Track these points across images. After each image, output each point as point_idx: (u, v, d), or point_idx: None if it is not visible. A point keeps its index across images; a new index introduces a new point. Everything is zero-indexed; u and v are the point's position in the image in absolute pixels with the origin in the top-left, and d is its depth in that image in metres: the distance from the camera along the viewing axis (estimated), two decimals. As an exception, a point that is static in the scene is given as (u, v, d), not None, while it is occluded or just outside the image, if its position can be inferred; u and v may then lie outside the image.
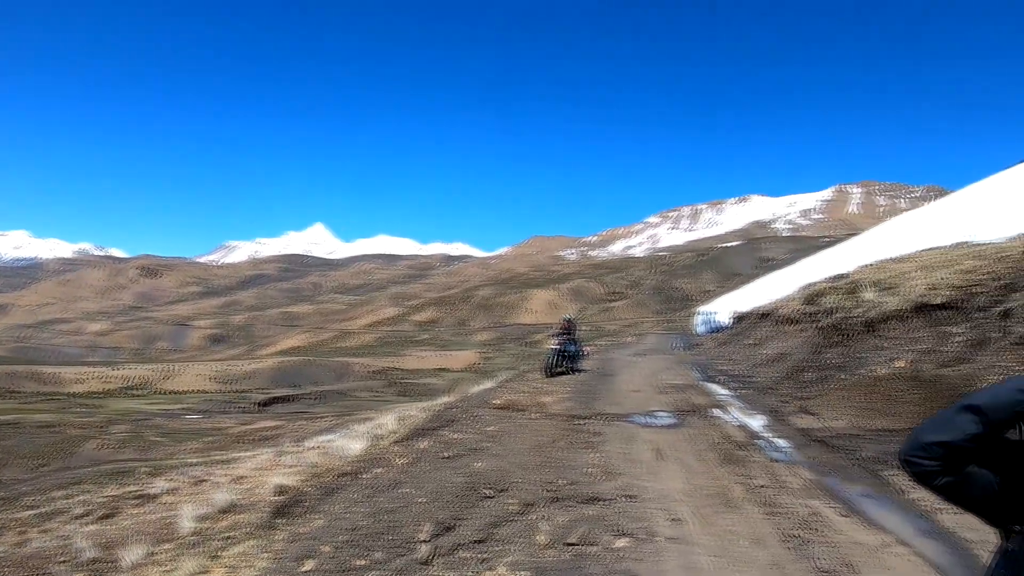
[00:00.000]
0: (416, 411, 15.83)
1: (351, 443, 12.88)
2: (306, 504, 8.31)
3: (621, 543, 6.32)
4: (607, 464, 9.01)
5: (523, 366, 29.84)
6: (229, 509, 9.67)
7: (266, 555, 6.73)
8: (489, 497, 7.69)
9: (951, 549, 5.93)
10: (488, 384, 19.60)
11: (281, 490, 9.36)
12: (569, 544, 6.32)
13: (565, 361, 19.98)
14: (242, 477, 14.24)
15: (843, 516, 6.84)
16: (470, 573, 5.89)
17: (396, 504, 7.55)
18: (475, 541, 6.54)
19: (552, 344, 20.16)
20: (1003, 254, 13.50)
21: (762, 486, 7.93)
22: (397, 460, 9.74)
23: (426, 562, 6.11)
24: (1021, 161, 33.08)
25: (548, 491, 7.86)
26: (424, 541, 6.49)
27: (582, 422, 11.77)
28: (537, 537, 6.52)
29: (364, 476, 9.16)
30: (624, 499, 7.56)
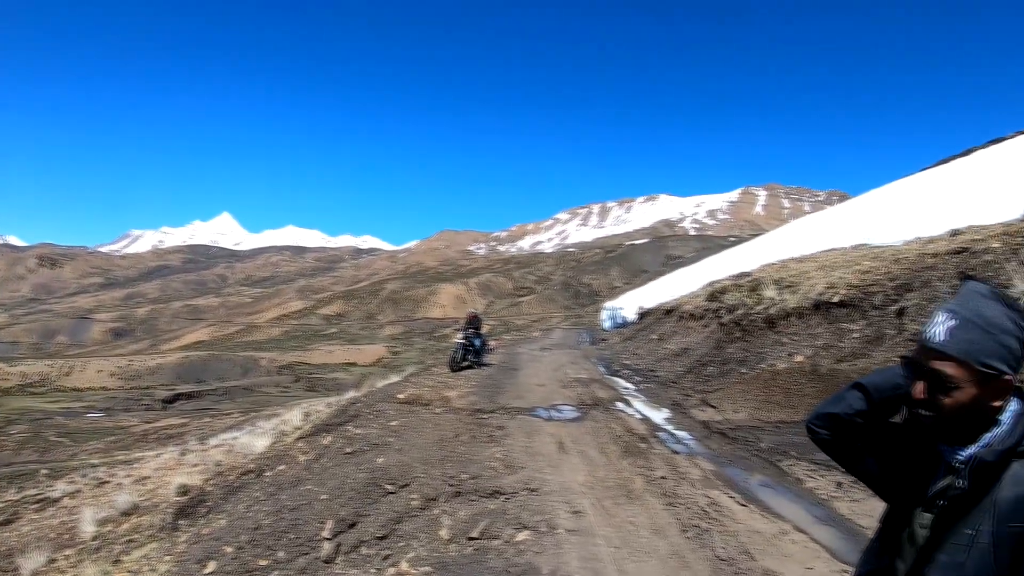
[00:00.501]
0: (323, 406, 15.55)
1: (256, 440, 12.68)
2: (209, 504, 8.18)
3: (522, 536, 6.29)
4: (509, 458, 8.97)
5: (430, 360, 29.64)
6: (132, 511, 9.52)
7: (168, 558, 6.62)
8: (391, 493, 7.60)
9: (846, 535, 6.10)
10: (394, 378, 19.39)
11: (184, 490, 9.26)
12: (471, 538, 6.27)
13: (470, 355, 19.91)
14: (145, 478, 13.88)
15: (742, 505, 6.96)
16: (373, 570, 5.82)
17: (299, 502, 7.42)
18: (378, 538, 6.47)
19: (458, 338, 20.06)
20: (899, 256, 14.13)
21: (663, 477, 8.01)
22: (300, 457, 9.55)
23: (329, 560, 6.05)
24: (920, 170, 34.99)
25: (450, 485, 7.80)
26: (327, 539, 6.42)
27: (486, 416, 11.71)
28: (439, 532, 6.47)
29: (268, 474, 9.00)
30: (526, 492, 7.54)
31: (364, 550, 6.26)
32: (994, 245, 10.63)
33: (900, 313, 11.17)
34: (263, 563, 6.07)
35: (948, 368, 1.59)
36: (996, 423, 1.59)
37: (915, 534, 1.66)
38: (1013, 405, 1.60)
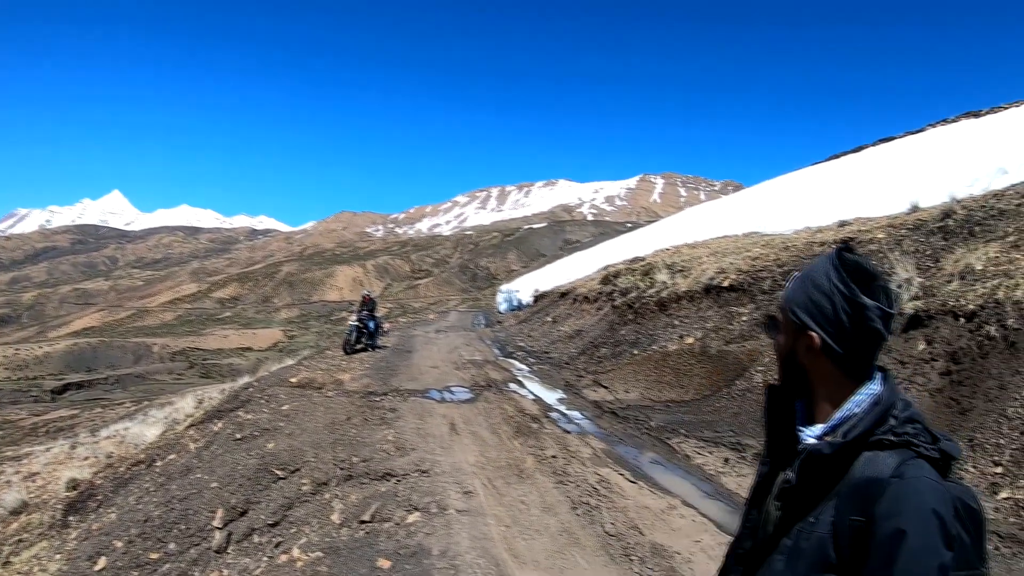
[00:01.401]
0: (216, 393, 15.07)
1: (147, 430, 12.33)
2: (99, 498, 7.93)
3: (413, 518, 6.28)
4: (401, 440, 8.91)
5: (326, 344, 29.11)
6: (21, 509, 9.14)
7: (59, 556, 6.41)
8: (282, 478, 7.48)
9: (734, 508, 6.31)
10: (288, 362, 18.97)
11: (74, 485, 8.96)
12: (362, 522, 6.24)
13: (365, 338, 19.65)
14: (35, 474, 13.11)
15: (631, 482, 7.12)
16: (264, 558, 5.74)
17: (189, 491, 7.22)
18: (269, 525, 6.39)
19: (352, 321, 19.74)
20: (789, 244, 14.73)
21: (554, 456, 8.12)
22: (191, 445, 9.26)
23: (220, 550, 5.96)
24: (812, 164, 36.52)
25: (342, 469, 7.71)
26: (218, 528, 6.31)
27: (378, 399, 11.58)
28: (331, 516, 6.42)
29: (158, 464, 8.73)
30: (417, 474, 7.52)
31: (256, 538, 6.19)
32: (879, 236, 11.19)
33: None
34: (154, 556, 5.96)
35: (777, 312, 1.67)
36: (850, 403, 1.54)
37: (769, 515, 1.63)
38: (871, 387, 1.53)
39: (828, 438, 1.50)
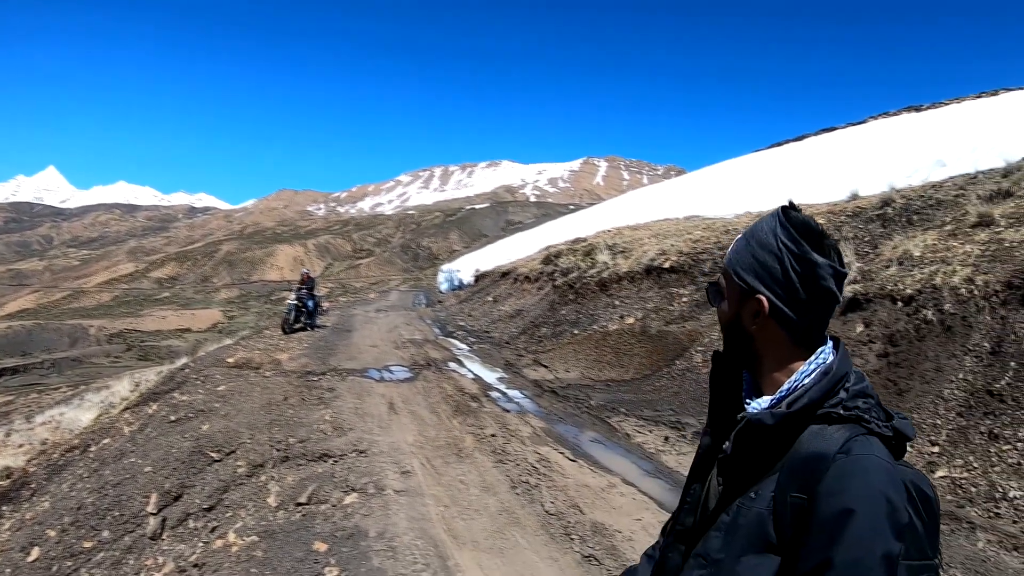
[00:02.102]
0: (153, 375, 14.63)
1: (82, 414, 11.92)
2: (33, 486, 7.76)
3: (350, 499, 6.16)
4: (339, 420, 8.77)
5: (266, 324, 28.61)
6: None
7: None
8: (217, 461, 7.30)
9: (674, 486, 6.32)
10: (227, 342, 18.55)
11: (8, 473, 8.71)
12: (299, 504, 6.09)
13: (304, 317, 19.36)
14: None
15: (571, 461, 7.08)
16: (200, 544, 5.58)
17: (122, 476, 7.01)
18: (204, 509, 6.24)
19: (290, 299, 19.41)
20: (730, 227, 14.91)
21: (493, 435, 8.05)
22: (125, 428, 8.96)
23: (155, 536, 5.82)
24: (755, 150, 37.03)
25: (278, 450, 7.54)
26: (152, 514, 6.14)
27: (316, 378, 11.39)
28: (267, 499, 6.25)
29: (92, 449, 8.47)
30: (355, 454, 7.40)
31: (191, 523, 6.04)
32: (819, 222, 11.37)
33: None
34: (88, 545, 5.81)
35: (720, 277, 1.55)
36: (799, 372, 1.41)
37: (711, 490, 1.51)
38: (822, 356, 1.41)
39: (772, 409, 1.37)
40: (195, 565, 5.25)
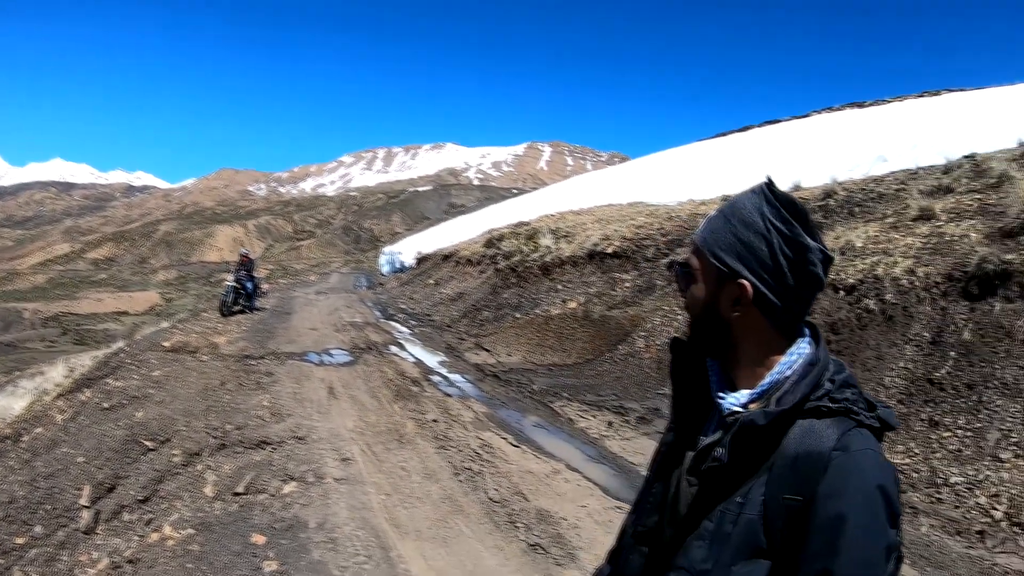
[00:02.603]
0: (88, 360, 14.11)
1: (15, 402, 11.36)
2: None
3: (289, 488, 5.97)
4: (277, 405, 8.54)
5: (204, 306, 28.04)
6: None
7: None
8: (152, 450, 7.04)
9: (618, 472, 6.29)
10: (164, 325, 18.02)
11: None
12: (236, 494, 5.88)
13: (242, 299, 18.88)
14: None
15: (515, 447, 6.99)
16: (135, 537, 5.36)
17: (55, 467, 6.74)
18: (139, 501, 6.01)
19: (229, 281, 18.90)
20: (673, 214, 14.99)
21: (435, 421, 7.92)
22: (58, 416, 8.64)
23: (89, 531, 5.59)
24: (699, 140, 37.46)
25: (215, 438, 7.30)
26: (85, 507, 5.90)
27: (255, 362, 11.12)
28: (203, 489, 6.04)
29: (24, 439, 8.11)
30: (293, 441, 7.20)
31: (125, 516, 5.82)
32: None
33: (670, 266, 11.78)
34: (20, 541, 5.55)
35: (691, 258, 1.38)
36: (782, 366, 1.29)
37: (681, 493, 1.36)
38: (802, 346, 1.29)
39: (755, 405, 1.26)
40: (129, 561, 5.01)
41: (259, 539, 5.04)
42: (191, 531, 5.27)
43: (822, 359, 1.25)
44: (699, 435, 1.36)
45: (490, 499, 5.68)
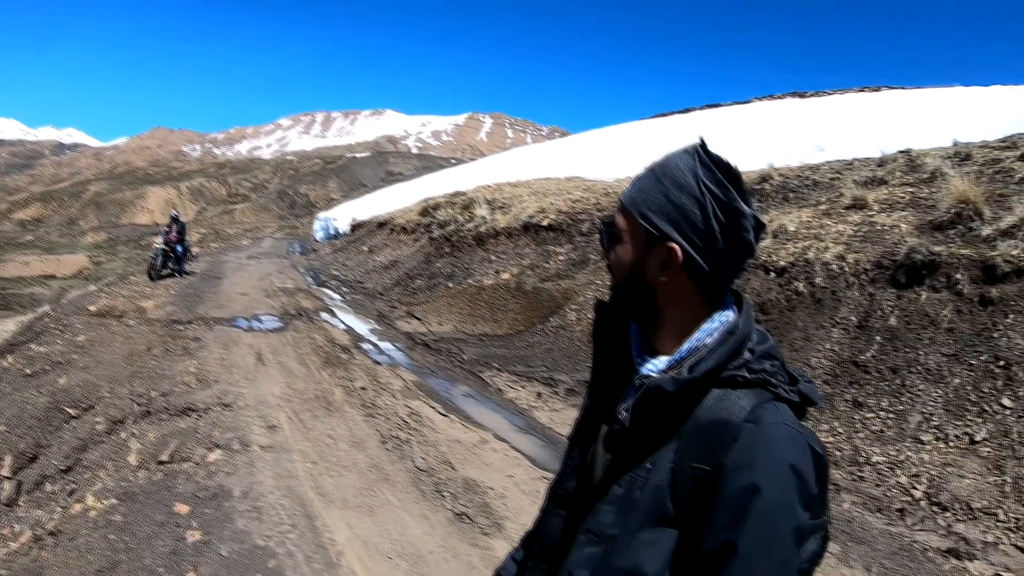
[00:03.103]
0: (12, 325, 13.55)
1: None
2: None
3: (214, 456, 5.83)
4: (204, 371, 8.34)
5: (132, 270, 27.13)
6: None
7: None
8: (75, 417, 6.83)
9: (546, 442, 6.31)
10: (91, 289, 17.41)
11: None
12: (161, 462, 5.73)
13: (171, 262, 18.37)
14: None
15: (443, 416, 6.97)
16: (58, 509, 5.19)
17: None
18: (62, 471, 5.83)
19: (158, 244, 18.34)
20: (610, 190, 15.08)
21: (363, 388, 7.84)
22: None
23: (10, 503, 5.41)
24: (641, 119, 37.70)
25: (139, 405, 7.08)
26: (7, 477, 5.70)
27: (182, 327, 10.84)
28: (128, 458, 5.86)
29: None
30: (219, 408, 7.04)
31: (48, 486, 5.64)
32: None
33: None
34: None
35: (618, 217, 1.30)
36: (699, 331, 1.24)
37: (597, 457, 1.32)
38: (726, 314, 1.24)
39: (672, 372, 1.21)
40: (52, 533, 4.81)
41: (183, 508, 4.92)
42: (114, 501, 5.11)
43: (742, 328, 1.20)
44: (618, 401, 1.32)
45: (417, 468, 5.65)
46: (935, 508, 4.88)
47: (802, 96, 29.33)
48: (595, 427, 1.36)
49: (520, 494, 5.16)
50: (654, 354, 1.28)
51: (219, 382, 7.95)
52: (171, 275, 18.23)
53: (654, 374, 1.23)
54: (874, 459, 5.48)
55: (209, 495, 5.12)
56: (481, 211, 17.49)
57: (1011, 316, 6.02)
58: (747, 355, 1.18)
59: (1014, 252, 6.44)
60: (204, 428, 6.50)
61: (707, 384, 1.16)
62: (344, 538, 4.55)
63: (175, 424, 6.64)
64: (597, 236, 1.28)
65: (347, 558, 4.31)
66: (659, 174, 1.24)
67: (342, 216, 35.77)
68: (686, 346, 1.22)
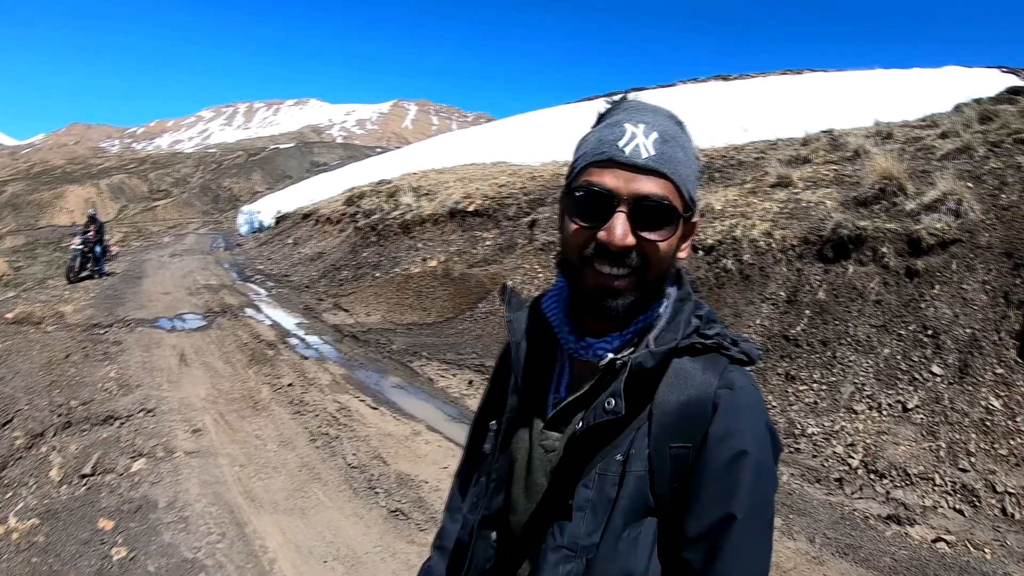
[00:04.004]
0: None
1: None
2: None
3: (138, 466, 5.53)
4: (126, 376, 7.95)
5: (52, 273, 25.97)
6: None
7: None
8: None
9: (480, 431, 6.19)
10: (10, 295, 16.55)
11: None
12: (84, 476, 5.38)
13: (91, 263, 17.61)
14: None
15: (373, 408, 6.82)
16: None
17: None
18: None
19: (75, 244, 17.56)
20: (536, 174, 15.06)
21: (290, 385, 7.61)
22: None
23: None
24: (566, 103, 37.74)
25: (59, 416, 6.64)
26: None
27: (103, 331, 10.36)
28: (49, 473, 5.47)
29: None
30: (142, 414, 6.70)
31: None
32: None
33: (532, 225, 11.86)
34: None
35: (660, 188, 1.06)
36: (650, 307, 1.13)
37: (535, 460, 1.16)
38: (669, 284, 1.15)
39: (628, 350, 1.11)
40: (-28, 562, 4.52)
41: (107, 524, 4.64)
42: (36, 520, 4.76)
43: (691, 294, 1.16)
44: (545, 395, 1.20)
45: (349, 465, 5.50)
46: (873, 476, 4.99)
47: (726, 79, 29.82)
48: (524, 427, 1.20)
49: (456, 486, 5.07)
50: (601, 333, 1.14)
51: (141, 386, 7.59)
52: (90, 276, 17.48)
53: (611, 354, 1.11)
54: (809, 431, 5.56)
55: (134, 508, 4.84)
56: (407, 199, 17.31)
57: (937, 287, 6.20)
58: (695, 321, 1.11)
59: (938, 225, 6.64)
60: (127, 436, 6.17)
61: (672, 355, 1.07)
62: (276, 544, 4.36)
63: (97, 434, 6.28)
64: (644, 211, 1.01)
65: (280, 565, 4.13)
66: (683, 144, 1.11)
67: (266, 209, 35.01)
68: (641, 319, 1.12)
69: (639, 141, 1.05)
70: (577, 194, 1.08)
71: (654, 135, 1.06)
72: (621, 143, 1.06)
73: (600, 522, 1.05)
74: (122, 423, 6.51)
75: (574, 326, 1.17)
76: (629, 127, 1.07)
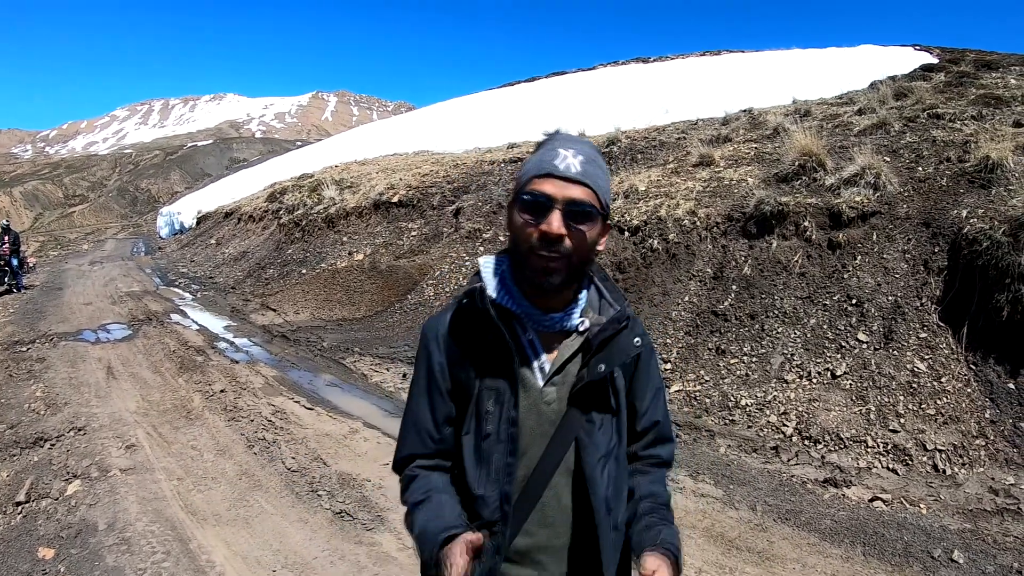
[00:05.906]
0: None
1: None
2: None
3: (73, 488, 5.26)
4: (52, 394, 7.59)
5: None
6: None
7: None
8: None
9: (416, 424, 6.13)
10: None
11: None
12: (18, 504, 5.07)
13: (7, 277, 16.76)
14: None
15: (308, 409, 6.70)
16: None
17: None
18: None
19: None
20: (459, 162, 14.96)
21: (223, 391, 7.40)
22: None
23: None
24: (487, 89, 37.47)
25: None
26: None
27: (25, 348, 9.88)
28: None
29: None
30: (72, 433, 6.40)
31: None
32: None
33: (457, 213, 11.80)
34: None
35: (584, 195, 1.42)
36: (576, 300, 1.54)
37: (544, 413, 1.49)
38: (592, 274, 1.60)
39: (589, 317, 1.54)
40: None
41: (47, 553, 4.41)
42: None
43: (598, 266, 1.61)
44: (523, 367, 1.49)
45: (289, 469, 5.37)
46: (807, 442, 5.14)
47: (646, 61, 30.04)
48: (523, 394, 1.49)
49: (398, 483, 5.01)
50: (567, 315, 1.52)
51: (69, 404, 7.25)
52: (8, 291, 16.64)
53: (587, 321, 1.54)
54: (743, 402, 5.69)
55: (73, 533, 4.61)
56: (329, 192, 17.02)
57: (859, 258, 6.40)
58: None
59: (857, 199, 6.85)
60: (59, 458, 5.86)
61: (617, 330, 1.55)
62: (222, 557, 4.22)
63: (28, 458, 5.95)
64: (571, 214, 1.42)
65: (228, 578, 4.03)
66: (598, 163, 1.47)
67: (187, 209, 33.98)
68: (584, 295, 1.56)
69: (569, 161, 1.41)
70: (525, 197, 1.41)
71: (580, 157, 1.42)
72: (556, 161, 1.41)
73: (611, 430, 1.52)
74: (53, 444, 6.19)
75: (536, 309, 1.51)
76: (562, 151, 1.43)
